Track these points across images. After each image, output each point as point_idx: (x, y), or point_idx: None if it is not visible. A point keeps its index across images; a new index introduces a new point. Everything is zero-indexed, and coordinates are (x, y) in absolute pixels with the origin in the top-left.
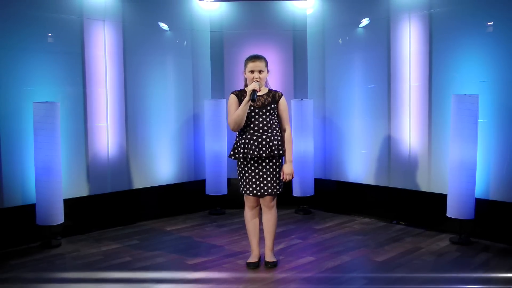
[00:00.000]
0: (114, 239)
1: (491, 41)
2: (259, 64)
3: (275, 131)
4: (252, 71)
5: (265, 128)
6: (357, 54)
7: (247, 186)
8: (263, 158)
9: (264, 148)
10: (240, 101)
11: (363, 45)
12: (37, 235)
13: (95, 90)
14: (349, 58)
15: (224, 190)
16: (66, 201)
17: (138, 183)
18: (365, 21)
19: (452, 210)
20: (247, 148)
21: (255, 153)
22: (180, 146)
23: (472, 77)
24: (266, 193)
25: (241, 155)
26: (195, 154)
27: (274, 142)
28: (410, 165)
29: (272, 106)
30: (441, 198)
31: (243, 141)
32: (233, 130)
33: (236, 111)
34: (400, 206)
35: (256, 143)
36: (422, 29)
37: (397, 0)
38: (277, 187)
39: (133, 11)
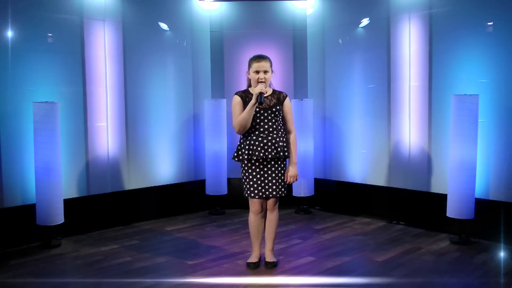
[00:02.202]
0: (114, 239)
1: (491, 41)
2: (264, 64)
3: (280, 133)
4: (257, 72)
5: (270, 129)
6: (357, 54)
7: (251, 189)
8: (268, 160)
9: (269, 150)
10: (244, 102)
11: (363, 45)
12: (37, 235)
13: (95, 90)
14: (349, 58)
15: (224, 190)
16: (66, 201)
17: (138, 183)
18: (365, 21)
19: (452, 210)
20: (252, 149)
21: (261, 154)
22: (180, 146)
23: (472, 77)
24: (271, 195)
25: (245, 157)
26: (195, 154)
27: (280, 144)
28: (410, 165)
29: (278, 107)
30: (441, 198)
31: (247, 142)
32: (238, 133)
33: (241, 114)
34: (400, 206)
35: (261, 145)
36: (422, 29)
37: (397, 0)
38: (282, 189)
39: (133, 11)
